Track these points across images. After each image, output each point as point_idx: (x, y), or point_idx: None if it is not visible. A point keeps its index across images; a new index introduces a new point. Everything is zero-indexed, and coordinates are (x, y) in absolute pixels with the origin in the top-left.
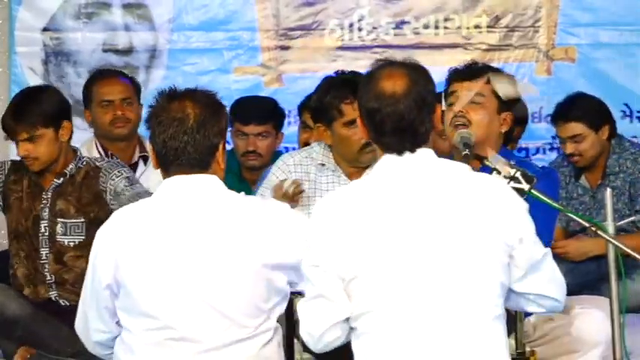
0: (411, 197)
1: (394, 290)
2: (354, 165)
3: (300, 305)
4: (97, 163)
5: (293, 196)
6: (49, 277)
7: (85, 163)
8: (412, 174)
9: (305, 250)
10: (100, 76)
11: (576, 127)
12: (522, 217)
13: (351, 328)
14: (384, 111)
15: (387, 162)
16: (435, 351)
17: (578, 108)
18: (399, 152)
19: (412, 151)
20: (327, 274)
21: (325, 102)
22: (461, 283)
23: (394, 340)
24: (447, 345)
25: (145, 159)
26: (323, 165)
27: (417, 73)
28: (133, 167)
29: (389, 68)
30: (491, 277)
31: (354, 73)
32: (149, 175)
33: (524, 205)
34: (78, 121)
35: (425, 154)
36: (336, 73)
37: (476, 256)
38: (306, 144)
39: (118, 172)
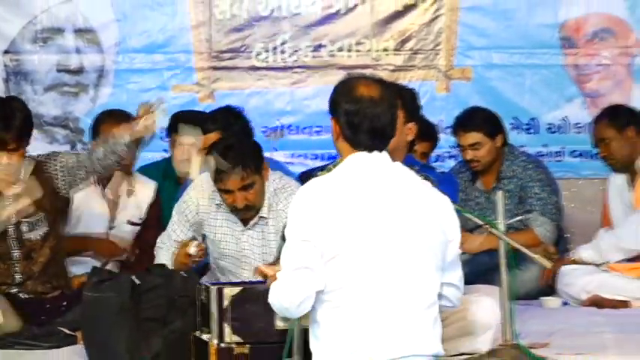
0: (380, 190)
1: (365, 270)
2: None
3: (283, 275)
4: (38, 158)
5: (197, 258)
6: (18, 276)
7: (28, 163)
8: (382, 170)
9: (293, 224)
10: None
11: (475, 136)
12: (455, 216)
13: (324, 301)
14: (362, 112)
15: (359, 158)
16: (394, 324)
17: (476, 119)
18: (370, 150)
19: (380, 150)
20: (315, 249)
21: None
22: (417, 267)
23: (361, 313)
24: (403, 318)
25: None
26: (220, 205)
27: (387, 85)
28: None
29: (364, 79)
30: (437, 265)
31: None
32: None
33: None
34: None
35: (387, 154)
36: None
37: (429, 246)
38: None
39: (60, 154)
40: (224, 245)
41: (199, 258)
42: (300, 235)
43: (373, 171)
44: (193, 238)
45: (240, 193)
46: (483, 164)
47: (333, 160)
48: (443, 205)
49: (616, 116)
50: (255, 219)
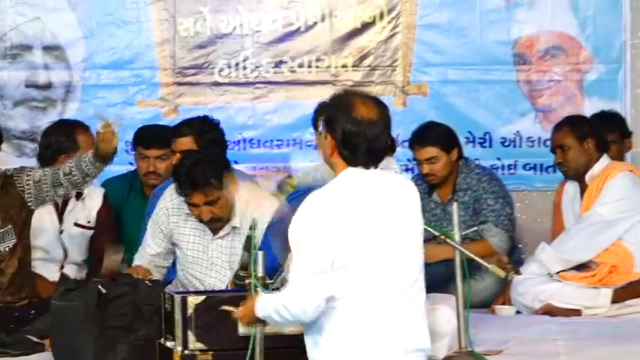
0: (381, 201)
1: (372, 278)
2: None
3: (298, 280)
4: (7, 172)
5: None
6: None
7: None
8: (379, 182)
9: (303, 233)
10: None
11: (432, 150)
12: None
13: (330, 309)
14: (362, 134)
15: (356, 172)
16: (399, 330)
17: (432, 134)
18: (367, 167)
19: (375, 166)
20: (328, 256)
21: None
22: (416, 274)
23: (367, 320)
24: (407, 324)
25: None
26: (190, 215)
27: (382, 104)
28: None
29: (360, 97)
30: (422, 266)
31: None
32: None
33: None
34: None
35: (379, 171)
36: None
37: (420, 252)
38: None
39: (29, 169)
40: (193, 254)
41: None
42: (313, 242)
43: (372, 183)
44: (168, 252)
45: (205, 208)
46: (439, 178)
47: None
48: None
49: (578, 126)
50: (226, 229)
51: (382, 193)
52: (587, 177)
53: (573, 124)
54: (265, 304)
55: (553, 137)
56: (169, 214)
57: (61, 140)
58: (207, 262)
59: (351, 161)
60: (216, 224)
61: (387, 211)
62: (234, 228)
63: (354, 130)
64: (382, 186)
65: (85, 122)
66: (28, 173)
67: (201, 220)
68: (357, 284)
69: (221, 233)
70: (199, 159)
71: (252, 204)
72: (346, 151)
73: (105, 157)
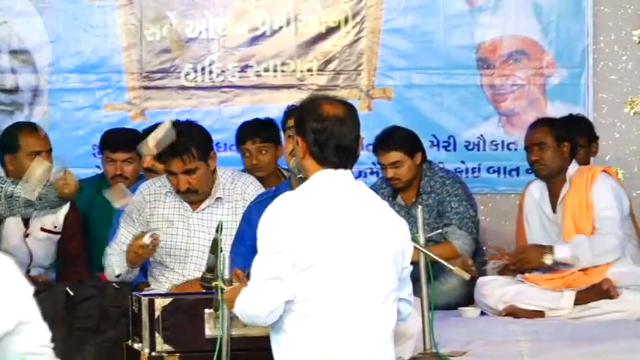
0: (348, 206)
1: (335, 281)
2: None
3: (254, 284)
4: None
5: (151, 247)
6: None
7: None
8: (347, 187)
9: (265, 236)
10: None
11: (396, 155)
12: (409, 234)
13: (291, 311)
14: (329, 130)
15: (325, 175)
16: (359, 334)
17: (396, 138)
18: (336, 167)
19: (345, 168)
20: (287, 260)
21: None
22: (382, 280)
23: (328, 323)
24: (367, 328)
25: None
26: (170, 192)
27: (350, 105)
28: None
29: (327, 99)
30: (397, 278)
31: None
32: None
33: None
34: None
35: (350, 172)
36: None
37: (391, 260)
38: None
39: (1, 179)
40: (172, 231)
41: (154, 247)
42: (272, 247)
43: (340, 187)
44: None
45: (183, 176)
46: (404, 182)
47: None
48: (401, 223)
49: (557, 128)
50: (208, 201)
51: (349, 199)
52: (560, 180)
53: (552, 124)
54: (237, 299)
55: (530, 135)
56: (145, 201)
57: (5, 140)
58: (187, 241)
59: (322, 161)
60: (192, 196)
61: (352, 217)
62: (217, 199)
63: (321, 128)
64: (349, 191)
65: (51, 127)
66: (0, 185)
67: (177, 191)
68: (318, 287)
69: (202, 206)
70: (184, 130)
71: (239, 179)
72: (316, 148)
73: (66, 199)
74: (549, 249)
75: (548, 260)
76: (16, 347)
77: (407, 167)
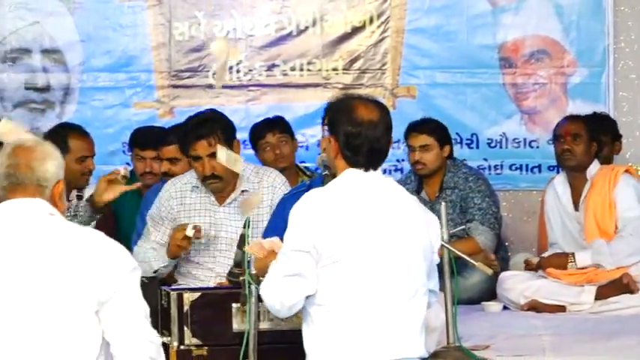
0: (376, 203)
1: (362, 276)
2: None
3: (273, 280)
4: None
5: (195, 239)
6: None
7: None
8: (377, 185)
9: (291, 232)
10: None
11: (426, 139)
12: (439, 228)
13: (317, 305)
14: (363, 135)
15: (354, 175)
16: (387, 328)
17: (430, 124)
18: (366, 169)
19: (375, 169)
20: (308, 257)
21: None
22: (411, 274)
23: (355, 317)
24: (396, 322)
25: None
26: (197, 187)
27: (383, 106)
28: None
29: (360, 99)
30: (426, 272)
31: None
32: None
33: None
34: None
35: (380, 171)
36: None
37: (420, 254)
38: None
39: None
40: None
41: (197, 239)
42: (294, 244)
43: (368, 185)
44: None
45: (208, 160)
46: (429, 169)
47: None
48: (430, 217)
49: (590, 126)
50: (233, 194)
51: (378, 196)
52: (582, 177)
53: (587, 122)
54: (267, 276)
55: (565, 125)
56: (172, 197)
57: (53, 142)
58: (213, 234)
59: (353, 162)
60: (217, 184)
61: (380, 213)
62: (243, 192)
63: (355, 132)
64: (379, 189)
65: (83, 125)
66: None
67: (203, 179)
68: (343, 282)
69: (228, 200)
70: (209, 115)
71: (264, 172)
72: (349, 152)
73: (96, 207)
74: (572, 256)
75: (571, 269)
76: None
77: (434, 154)
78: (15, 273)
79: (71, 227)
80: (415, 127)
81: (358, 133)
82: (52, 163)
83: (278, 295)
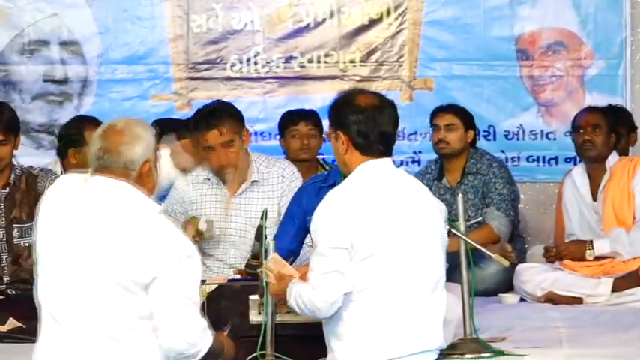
0: (397, 194)
1: (393, 269)
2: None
3: (315, 278)
4: (33, 171)
5: (207, 232)
6: (6, 278)
7: (20, 170)
8: (392, 176)
9: (322, 231)
10: None
11: (452, 119)
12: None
13: (349, 301)
14: (371, 119)
15: (370, 166)
16: (413, 321)
17: (457, 107)
18: (380, 156)
19: (387, 156)
20: (346, 254)
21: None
22: (434, 265)
23: (384, 311)
24: (421, 315)
25: None
26: (208, 179)
27: (382, 95)
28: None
29: (360, 91)
30: (443, 262)
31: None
32: None
33: None
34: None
35: (391, 160)
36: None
37: (439, 244)
38: None
39: (54, 177)
40: (211, 217)
41: (210, 233)
42: (331, 242)
43: (385, 177)
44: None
45: (220, 150)
46: (452, 148)
47: None
48: (440, 204)
49: (610, 118)
50: (244, 185)
51: (397, 187)
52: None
53: (606, 114)
54: (291, 291)
55: (585, 116)
56: (184, 191)
57: (70, 134)
58: (225, 225)
59: (367, 149)
60: (230, 173)
61: (402, 206)
62: (254, 183)
63: (362, 118)
64: (396, 180)
65: (99, 117)
66: (52, 182)
67: (216, 170)
68: (375, 277)
69: (239, 191)
70: (217, 106)
71: (274, 163)
72: (360, 139)
73: None
74: (590, 244)
75: (589, 256)
76: None
77: (458, 135)
78: (84, 243)
79: (145, 213)
80: (442, 108)
81: (366, 118)
82: (140, 147)
83: (321, 293)
